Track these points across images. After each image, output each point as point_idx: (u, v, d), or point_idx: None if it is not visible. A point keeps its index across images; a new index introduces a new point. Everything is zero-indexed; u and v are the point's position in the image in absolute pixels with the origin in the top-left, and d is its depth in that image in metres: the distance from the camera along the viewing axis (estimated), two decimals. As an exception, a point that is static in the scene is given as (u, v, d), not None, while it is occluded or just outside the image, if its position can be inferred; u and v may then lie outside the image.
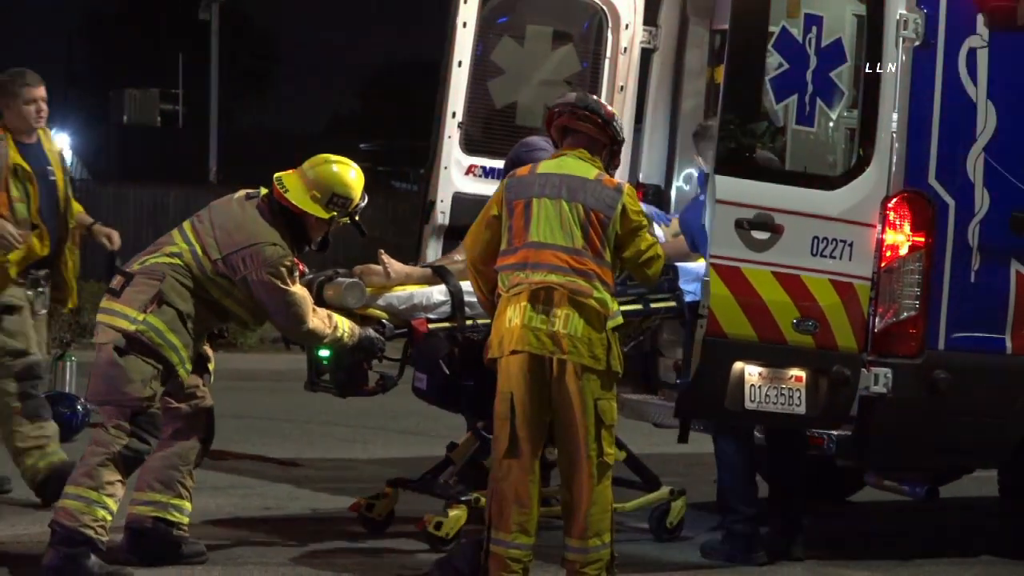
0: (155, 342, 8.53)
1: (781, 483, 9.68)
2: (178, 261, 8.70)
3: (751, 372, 8.98)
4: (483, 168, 10.70)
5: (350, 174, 8.95)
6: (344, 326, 8.91)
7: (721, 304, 8.83)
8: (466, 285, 9.11)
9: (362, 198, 9.01)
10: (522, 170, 8.60)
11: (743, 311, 8.91)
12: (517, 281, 8.27)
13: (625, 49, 11.08)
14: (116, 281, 8.77)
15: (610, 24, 11.05)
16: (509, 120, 10.94)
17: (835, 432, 9.37)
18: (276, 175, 8.89)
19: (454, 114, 10.57)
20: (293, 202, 8.77)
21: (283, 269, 8.61)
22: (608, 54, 11.09)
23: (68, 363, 14.65)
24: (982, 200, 9.54)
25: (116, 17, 77.60)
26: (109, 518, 8.48)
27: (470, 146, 10.73)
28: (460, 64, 10.49)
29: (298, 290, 8.73)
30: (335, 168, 8.93)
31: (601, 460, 8.18)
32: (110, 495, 8.46)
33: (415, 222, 10.60)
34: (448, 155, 10.55)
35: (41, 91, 10.36)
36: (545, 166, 8.48)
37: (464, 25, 10.42)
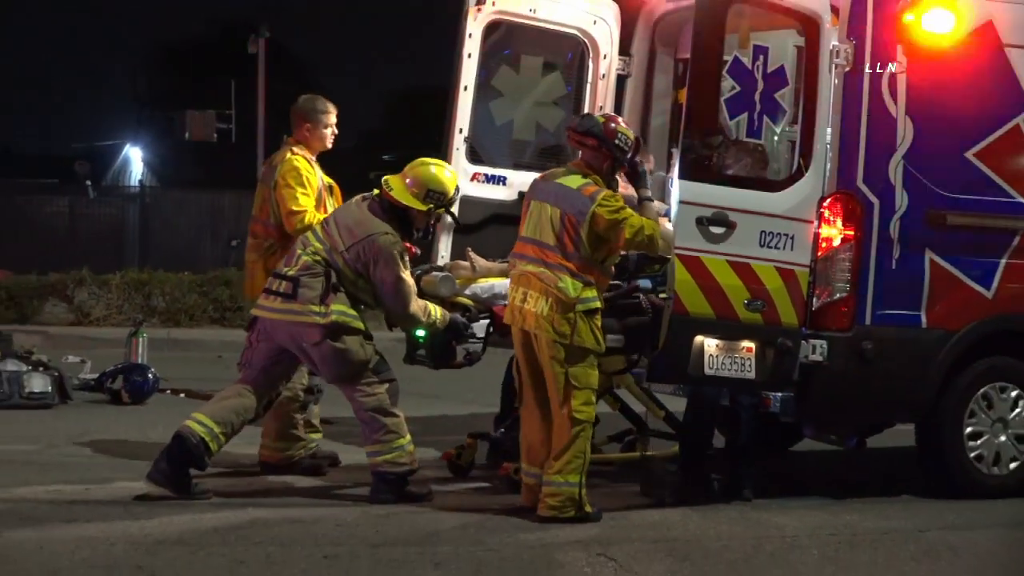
0: (348, 320, 8.84)
1: (736, 437, 9.63)
2: (320, 259, 8.90)
3: (710, 344, 8.94)
4: (485, 175, 10.73)
5: (445, 173, 9.22)
6: (436, 314, 9.11)
7: (684, 288, 8.80)
8: None
9: (456, 192, 9.25)
10: (540, 176, 9.05)
11: (703, 293, 8.87)
12: (513, 267, 8.80)
13: (603, 75, 11.07)
14: (281, 285, 8.91)
15: (591, 55, 11.04)
16: (507, 135, 10.98)
17: (780, 394, 9.39)
18: (384, 178, 9.11)
19: (461, 130, 10.57)
20: (397, 198, 9.02)
21: (395, 253, 8.88)
22: (589, 79, 11.10)
23: (141, 339, 14.62)
24: (902, 200, 9.50)
25: (179, 50, 77.74)
26: (411, 447, 8.97)
27: (474, 157, 10.71)
28: (466, 88, 10.50)
29: (407, 276, 8.98)
30: (432, 169, 9.14)
31: (572, 416, 8.52)
32: (400, 434, 8.92)
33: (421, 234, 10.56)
34: (456, 164, 10.49)
35: (335, 117, 10.04)
36: (551, 175, 8.89)
37: (469, 56, 10.44)
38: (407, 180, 9.07)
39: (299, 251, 8.98)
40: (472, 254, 9.84)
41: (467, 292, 9.61)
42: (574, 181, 8.68)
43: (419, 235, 9.25)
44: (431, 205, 9.07)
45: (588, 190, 8.58)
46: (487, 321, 9.53)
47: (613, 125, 8.81)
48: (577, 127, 8.90)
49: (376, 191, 9.13)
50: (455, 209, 10.08)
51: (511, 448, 9.43)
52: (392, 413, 8.94)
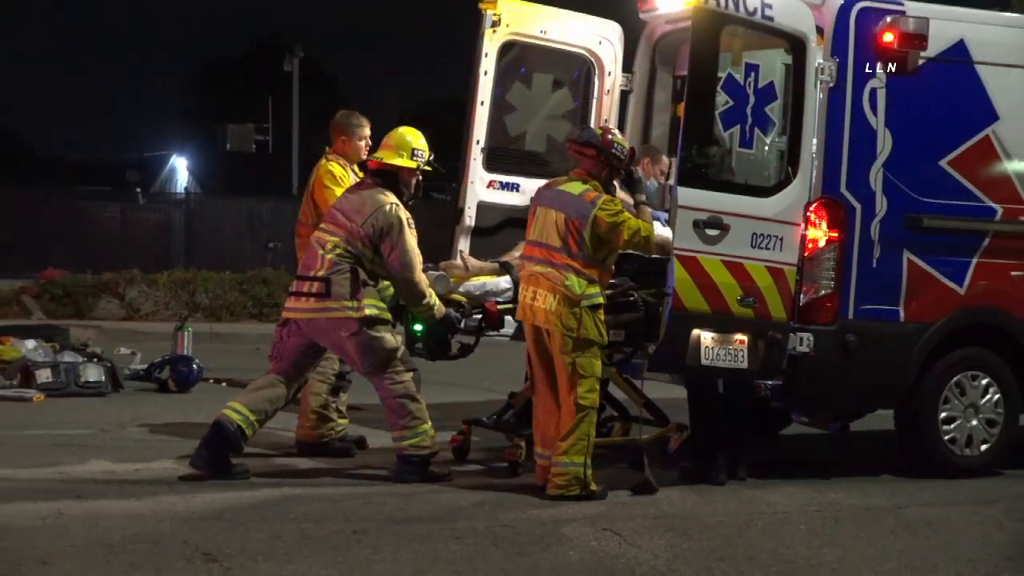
0: (379, 312, 8.90)
1: (731, 421, 9.61)
2: (341, 250, 8.92)
3: (706, 336, 8.94)
4: (500, 182, 10.72)
5: (418, 133, 9.31)
6: (435, 300, 9.11)
7: (682, 285, 8.80)
8: None
9: (431, 150, 9.36)
10: (545, 184, 9.07)
11: (699, 290, 8.87)
12: (522, 268, 8.90)
13: (608, 91, 11.04)
14: (313, 286, 8.92)
15: (597, 72, 11.01)
16: (520, 146, 10.97)
17: (770, 382, 9.37)
18: (366, 157, 9.34)
19: (478, 141, 10.56)
20: (388, 162, 9.14)
21: (403, 220, 8.94)
22: (595, 95, 11.07)
23: (186, 332, 14.61)
24: (882, 204, 9.48)
25: (221, 68, 77.79)
26: (432, 432, 9.00)
27: (490, 166, 10.69)
28: (482, 103, 10.48)
29: (413, 244, 9.01)
30: (407, 135, 9.26)
31: (578, 403, 8.58)
32: (424, 420, 8.94)
33: (449, 224, 10.55)
34: (474, 172, 10.52)
35: (369, 130, 10.05)
36: (554, 183, 8.92)
37: (485, 73, 10.41)
38: (390, 147, 9.20)
39: (321, 252, 8.95)
40: (465, 255, 9.95)
41: (460, 289, 9.61)
42: (576, 188, 8.73)
43: (409, 195, 9.26)
44: (418, 162, 9.18)
45: (589, 196, 8.65)
46: (479, 316, 9.54)
47: (610, 136, 8.87)
48: (577, 139, 8.94)
49: (360, 174, 9.34)
50: (473, 213, 10.20)
51: (509, 432, 9.58)
52: (417, 400, 8.96)
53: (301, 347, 9.07)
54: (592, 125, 10.60)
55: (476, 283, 9.66)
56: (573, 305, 8.51)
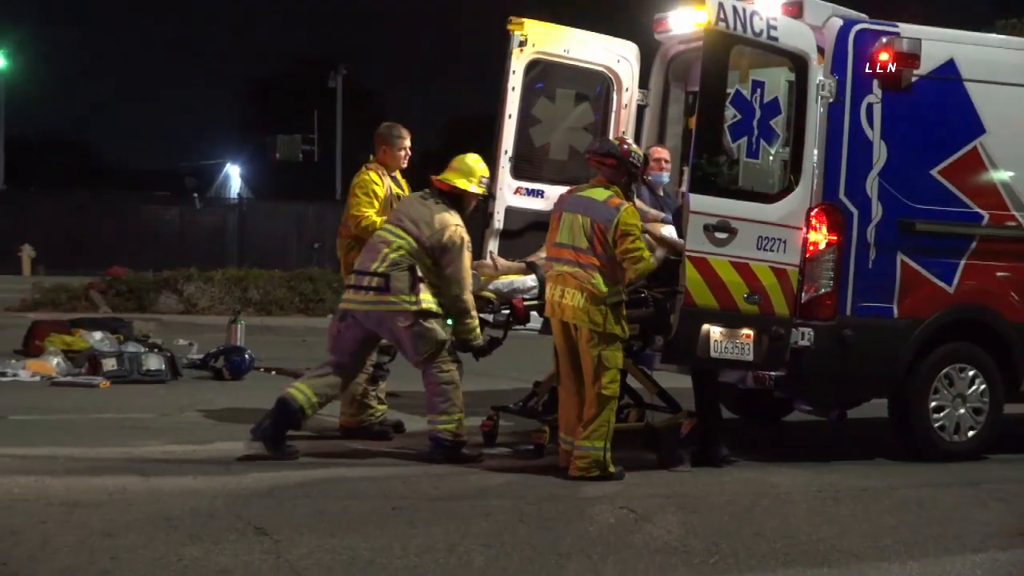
0: (432, 306, 8.92)
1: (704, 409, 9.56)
2: (404, 251, 8.95)
3: (715, 331, 8.90)
4: (526, 189, 10.68)
5: (481, 161, 9.40)
6: (476, 323, 9.14)
7: (693, 284, 8.78)
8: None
9: (491, 178, 9.58)
10: (567, 191, 9.06)
11: (709, 288, 8.84)
12: (549, 269, 8.86)
13: (626, 105, 11.01)
14: (373, 280, 8.95)
15: (615, 88, 10.98)
16: (544, 155, 10.93)
17: (774, 373, 9.35)
18: (434, 178, 9.26)
19: (506, 151, 10.53)
20: (459, 187, 9.19)
21: (464, 244, 9.02)
22: (614, 109, 11.04)
23: (239, 325, 14.67)
24: (877, 210, 9.44)
25: (271, 84, 77.97)
26: (465, 421, 9.05)
27: (517, 173, 10.66)
28: (510, 116, 10.46)
29: (468, 266, 9.08)
30: (475, 161, 9.35)
31: (600, 392, 8.56)
32: (460, 409, 8.98)
33: (480, 226, 10.56)
34: (502, 180, 10.50)
35: (409, 141, 10.06)
36: (578, 190, 8.90)
37: (513, 89, 10.40)
38: (459, 171, 9.26)
39: (385, 250, 8.97)
40: (494, 255, 9.97)
41: (490, 287, 9.65)
42: (600, 194, 8.71)
43: (466, 215, 9.31)
44: (483, 188, 9.30)
45: (613, 201, 8.63)
46: (507, 311, 9.56)
47: (626, 146, 8.88)
48: (598, 150, 8.93)
49: (427, 191, 9.26)
50: (501, 217, 10.22)
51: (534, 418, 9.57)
52: (458, 389, 9.00)
53: (359, 339, 9.09)
54: (610, 137, 10.63)
55: (504, 281, 9.68)
56: (599, 302, 8.49)
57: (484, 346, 9.30)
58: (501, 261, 9.86)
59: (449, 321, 9.07)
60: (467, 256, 9.05)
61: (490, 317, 9.54)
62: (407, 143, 10.04)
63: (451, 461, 8.92)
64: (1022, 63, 10.07)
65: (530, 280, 9.63)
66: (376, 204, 9.70)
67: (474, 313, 9.12)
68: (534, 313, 9.59)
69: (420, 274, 8.91)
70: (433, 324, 8.90)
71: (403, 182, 10.00)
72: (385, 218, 9.50)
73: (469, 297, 9.06)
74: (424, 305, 8.87)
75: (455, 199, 9.20)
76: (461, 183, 9.21)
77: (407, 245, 8.95)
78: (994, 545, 7.24)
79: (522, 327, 9.76)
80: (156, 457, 8.89)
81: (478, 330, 9.16)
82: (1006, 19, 25.75)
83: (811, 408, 10.31)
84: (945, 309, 9.73)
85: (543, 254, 9.46)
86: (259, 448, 8.85)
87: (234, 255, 36.97)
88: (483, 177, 9.32)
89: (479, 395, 11.15)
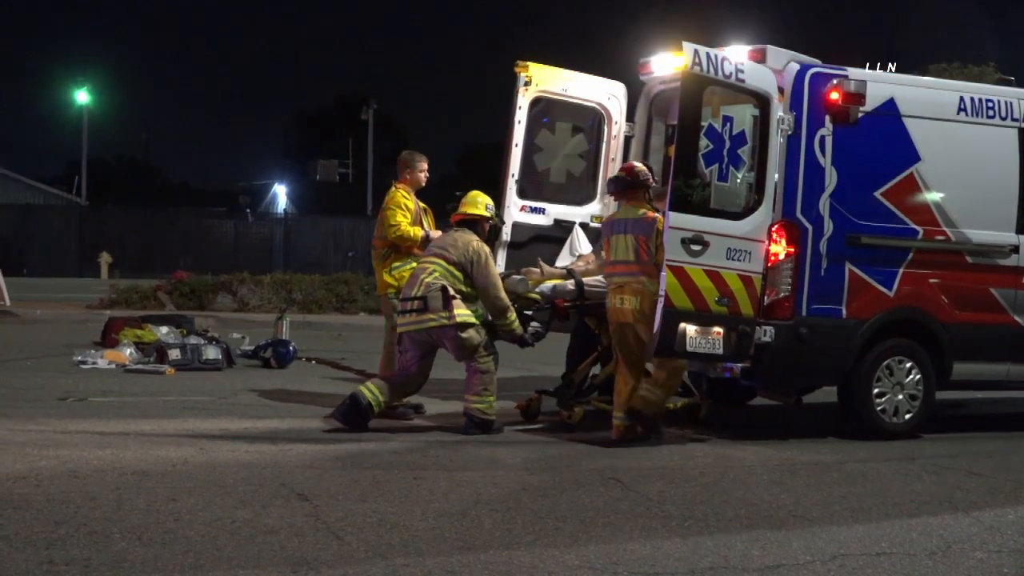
0: (466, 318, 9.08)
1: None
2: (438, 274, 9.17)
3: (690, 329, 8.87)
4: (530, 207, 10.79)
5: (485, 196, 9.67)
6: (514, 316, 9.31)
7: (672, 289, 8.75)
8: (586, 280, 9.65)
9: (499, 200, 10.18)
10: (609, 216, 9.57)
11: (686, 293, 8.81)
12: (608, 282, 9.29)
13: (615, 136, 11.05)
14: (414, 304, 9.14)
15: (606, 121, 11.03)
16: (545, 178, 10.99)
17: (740, 364, 9.32)
18: (454, 214, 9.55)
19: (513, 175, 10.58)
20: (477, 214, 9.50)
21: (486, 253, 9.30)
22: (605, 139, 11.09)
23: (284, 321, 14.66)
24: (829, 226, 9.42)
25: (313, 116, 78.01)
26: (497, 403, 9.21)
27: (522, 193, 10.72)
28: (517, 145, 10.52)
29: (495, 270, 9.38)
30: (479, 195, 9.62)
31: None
32: (492, 392, 9.14)
33: (491, 240, 10.58)
34: (510, 199, 10.55)
35: (427, 165, 10.13)
36: (617, 213, 9.47)
37: (519, 122, 10.45)
38: (470, 204, 9.52)
39: (422, 277, 9.19)
40: (541, 263, 10.02)
41: (536, 290, 9.78)
42: (635, 212, 9.19)
43: (484, 237, 9.49)
44: (490, 213, 9.58)
45: (648, 216, 9.11)
46: (550, 309, 9.66)
47: (635, 169, 9.39)
48: (629, 182, 9.30)
49: (449, 229, 9.54)
50: (509, 231, 10.23)
51: (566, 398, 9.73)
52: (492, 375, 9.15)
53: (418, 356, 9.30)
54: (601, 165, 10.70)
55: (547, 285, 9.81)
56: (650, 299, 8.91)
57: (530, 338, 9.49)
58: (546, 268, 9.98)
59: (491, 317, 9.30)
60: (492, 265, 9.28)
61: (535, 316, 9.68)
62: (425, 166, 10.14)
63: (482, 432, 9.07)
64: (952, 101, 10.06)
65: (570, 285, 9.69)
66: (408, 216, 9.79)
67: (511, 310, 9.29)
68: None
69: (452, 292, 9.05)
70: (470, 332, 9.08)
71: (419, 202, 10.05)
72: (416, 227, 9.75)
73: (503, 295, 9.26)
74: (459, 319, 9.04)
75: (471, 225, 9.45)
76: (473, 211, 9.47)
77: (440, 267, 9.17)
78: (927, 511, 7.22)
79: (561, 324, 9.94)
80: (213, 433, 8.87)
81: (517, 323, 9.34)
82: (938, 64, 25.78)
83: (772, 394, 10.31)
84: (886, 311, 9.71)
85: (582, 263, 9.88)
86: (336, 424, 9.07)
87: (280, 262, 37.03)
88: (488, 204, 9.58)
89: (512, 381, 11.17)
